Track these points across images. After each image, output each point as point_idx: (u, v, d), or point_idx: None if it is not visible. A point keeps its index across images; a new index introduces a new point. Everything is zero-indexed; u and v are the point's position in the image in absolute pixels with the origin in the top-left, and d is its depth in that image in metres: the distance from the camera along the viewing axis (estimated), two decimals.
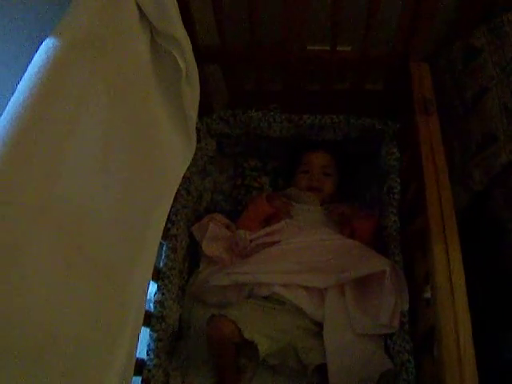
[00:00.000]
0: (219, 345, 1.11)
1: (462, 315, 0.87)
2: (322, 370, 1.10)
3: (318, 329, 1.15)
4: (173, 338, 1.20)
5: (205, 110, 1.38)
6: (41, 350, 0.65)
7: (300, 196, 1.41)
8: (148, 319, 1.13)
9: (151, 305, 1.16)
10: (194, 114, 1.14)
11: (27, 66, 0.67)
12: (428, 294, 1.01)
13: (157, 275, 1.18)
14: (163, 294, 1.17)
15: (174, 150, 1.12)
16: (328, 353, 1.10)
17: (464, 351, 0.85)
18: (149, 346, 1.11)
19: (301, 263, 1.20)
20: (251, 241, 1.29)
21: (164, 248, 1.23)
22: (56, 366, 0.70)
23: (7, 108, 0.63)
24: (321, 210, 1.39)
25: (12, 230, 0.60)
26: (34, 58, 0.66)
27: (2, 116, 0.62)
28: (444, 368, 0.85)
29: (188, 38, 1.02)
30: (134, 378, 0.98)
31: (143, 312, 1.00)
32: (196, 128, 1.22)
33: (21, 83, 0.64)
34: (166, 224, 1.20)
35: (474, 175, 1.19)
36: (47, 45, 0.67)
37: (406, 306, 1.11)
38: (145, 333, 1.11)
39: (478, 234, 1.18)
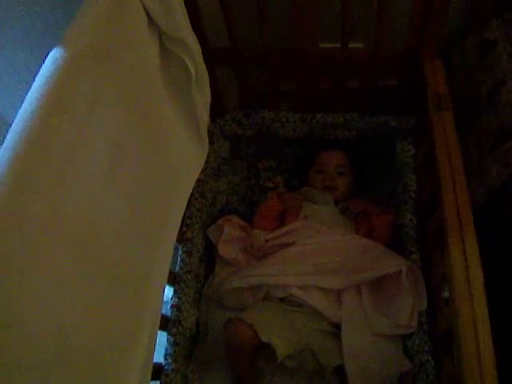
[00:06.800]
0: (236, 348, 1.10)
1: (480, 315, 0.86)
2: (340, 371, 1.09)
3: (335, 330, 1.15)
4: (190, 341, 1.20)
5: (217, 111, 1.38)
6: (56, 359, 0.65)
7: (315, 196, 1.40)
8: (165, 323, 1.13)
9: (168, 308, 1.16)
10: (205, 116, 1.14)
11: (37, 74, 0.67)
12: (446, 294, 1.00)
13: (173, 279, 1.19)
14: (179, 297, 1.17)
15: (186, 154, 1.12)
16: (346, 354, 1.09)
17: (483, 351, 0.83)
18: (166, 350, 1.12)
19: (317, 264, 1.20)
20: (267, 241, 1.29)
21: (179, 252, 1.24)
22: (73, 374, 0.70)
23: (16, 119, 0.63)
24: (336, 209, 1.38)
25: (22, 240, 0.60)
26: (42, 69, 0.66)
27: (12, 127, 0.62)
28: (463, 368, 0.83)
29: (197, 41, 1.02)
30: (152, 383, 0.99)
31: (159, 316, 1.00)
32: (209, 130, 1.22)
33: (29, 94, 0.64)
34: (181, 227, 1.20)
35: (491, 171, 1.17)
36: (54, 55, 0.67)
37: (424, 306, 1.09)
38: (162, 337, 1.11)
39: (497, 230, 1.16)
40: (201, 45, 1.04)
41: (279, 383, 1.17)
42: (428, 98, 1.14)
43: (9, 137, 0.61)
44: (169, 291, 1.17)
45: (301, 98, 1.42)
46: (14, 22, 0.80)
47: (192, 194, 1.22)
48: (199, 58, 1.03)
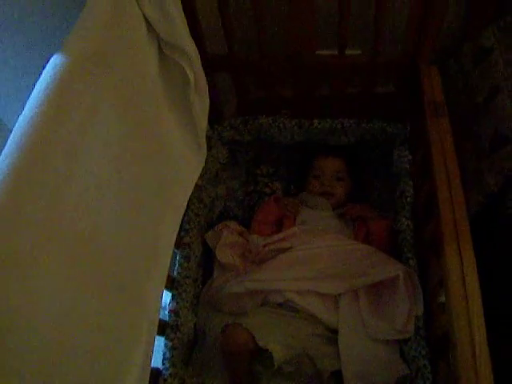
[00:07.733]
0: (234, 353, 1.10)
1: (476, 320, 0.86)
2: (337, 376, 1.09)
3: (332, 335, 1.15)
4: (188, 346, 1.20)
5: (215, 118, 1.39)
6: (54, 364, 0.65)
7: (312, 201, 1.41)
8: (163, 328, 1.13)
9: (166, 313, 1.16)
10: (203, 123, 1.15)
11: (38, 80, 0.68)
12: (443, 299, 1.00)
13: (171, 284, 1.19)
14: (177, 302, 1.17)
15: (184, 160, 1.12)
16: (343, 359, 1.10)
17: (479, 355, 0.83)
18: (164, 355, 1.11)
19: (314, 270, 1.20)
20: (264, 246, 1.29)
21: (177, 257, 1.24)
22: (71, 378, 0.70)
23: (17, 125, 0.63)
24: (333, 214, 1.38)
25: (22, 245, 0.60)
26: (42, 75, 0.67)
27: (12, 132, 0.63)
28: (459, 372, 0.84)
29: (195, 47, 1.03)
30: None
31: (157, 322, 1.00)
32: (207, 136, 1.22)
33: (29, 100, 0.65)
34: (179, 233, 1.20)
35: (487, 177, 1.18)
36: (54, 61, 0.68)
37: (421, 311, 1.10)
38: (160, 342, 1.11)
39: (493, 236, 1.17)
40: (199, 51, 1.05)
41: None
42: (424, 105, 1.15)
43: (9, 142, 0.62)
44: (166, 296, 1.17)
45: (298, 104, 1.42)
46: (14, 29, 0.81)
47: (190, 200, 1.23)
48: (198, 64, 1.04)
